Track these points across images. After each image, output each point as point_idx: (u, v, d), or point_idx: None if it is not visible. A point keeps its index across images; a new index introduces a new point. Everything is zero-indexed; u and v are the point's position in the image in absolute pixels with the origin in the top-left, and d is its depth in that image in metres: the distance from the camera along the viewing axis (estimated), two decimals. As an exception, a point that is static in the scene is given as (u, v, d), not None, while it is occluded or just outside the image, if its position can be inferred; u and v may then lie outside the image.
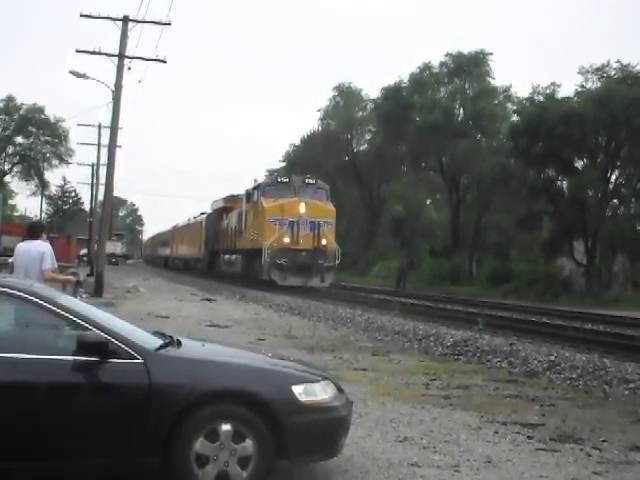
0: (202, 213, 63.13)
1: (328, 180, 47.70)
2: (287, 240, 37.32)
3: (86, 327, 6.13)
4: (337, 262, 38.15)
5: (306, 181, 39.98)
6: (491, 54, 62.08)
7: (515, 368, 13.98)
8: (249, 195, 42.76)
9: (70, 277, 12.79)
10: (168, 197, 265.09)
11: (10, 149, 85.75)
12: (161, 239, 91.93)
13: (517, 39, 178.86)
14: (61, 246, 50.92)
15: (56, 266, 12.21)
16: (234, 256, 45.69)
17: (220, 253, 50.34)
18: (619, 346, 17.24)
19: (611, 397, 11.41)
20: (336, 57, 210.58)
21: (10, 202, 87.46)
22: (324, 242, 37.33)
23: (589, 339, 18.66)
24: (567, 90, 74.96)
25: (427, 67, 63.57)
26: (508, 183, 51.05)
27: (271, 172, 78.60)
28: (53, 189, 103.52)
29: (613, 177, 47.74)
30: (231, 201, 49.58)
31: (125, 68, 32.17)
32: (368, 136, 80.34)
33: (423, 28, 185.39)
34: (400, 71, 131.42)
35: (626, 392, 11.71)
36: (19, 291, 6.33)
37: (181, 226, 73.32)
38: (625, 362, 14.24)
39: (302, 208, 37.65)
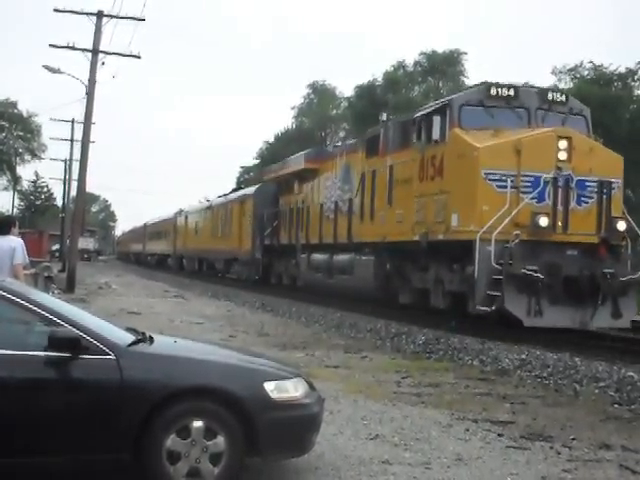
0: (236, 189, 47.32)
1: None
2: (544, 222, 17.21)
3: (58, 323, 6.10)
4: None
5: (550, 96, 19.49)
6: (465, 54, 62.65)
7: (486, 366, 14.02)
8: (385, 136, 23.10)
9: (32, 270, 12.64)
10: (141, 194, 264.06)
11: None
12: (151, 231, 73.84)
13: (491, 39, 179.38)
14: (33, 242, 50.70)
15: (28, 261, 12.13)
16: (345, 257, 26.13)
17: (299, 251, 31.18)
18: (589, 345, 17.33)
19: (581, 396, 11.47)
20: (311, 55, 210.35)
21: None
22: (620, 227, 17.79)
23: (560, 338, 18.74)
24: (540, 91, 75.40)
25: (401, 66, 63.85)
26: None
27: (246, 169, 77.90)
28: (25, 184, 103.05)
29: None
30: (315, 159, 31.12)
31: (99, 64, 32.11)
32: (342, 134, 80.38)
33: (398, 27, 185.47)
34: (374, 69, 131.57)
35: (596, 391, 11.78)
36: (-10, 286, 6.28)
37: (194, 210, 55.29)
38: (595, 361, 14.32)
39: (562, 151, 17.40)
